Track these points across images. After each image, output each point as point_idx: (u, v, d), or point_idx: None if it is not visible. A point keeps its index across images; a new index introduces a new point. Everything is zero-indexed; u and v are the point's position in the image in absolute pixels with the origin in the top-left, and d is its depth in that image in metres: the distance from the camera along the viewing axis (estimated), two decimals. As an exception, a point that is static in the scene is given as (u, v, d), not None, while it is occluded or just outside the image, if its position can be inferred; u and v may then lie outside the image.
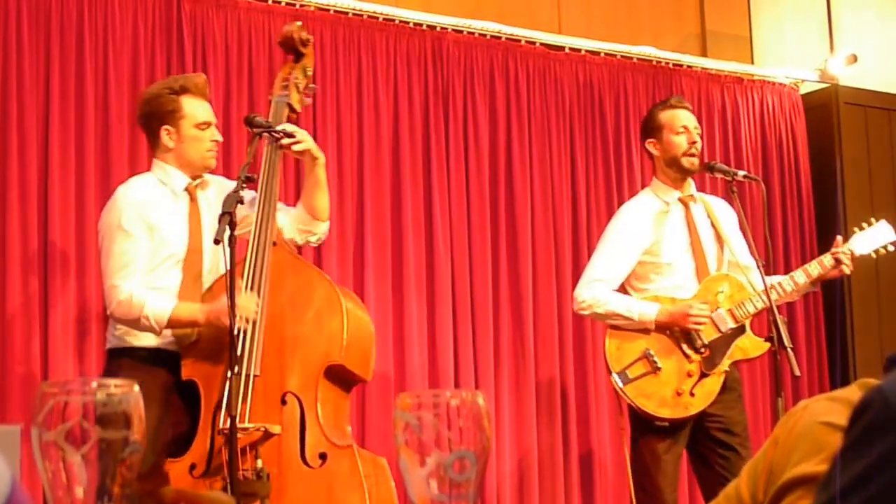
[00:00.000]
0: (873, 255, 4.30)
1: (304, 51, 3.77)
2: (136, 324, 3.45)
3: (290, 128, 3.56)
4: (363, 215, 4.93)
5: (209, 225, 3.57)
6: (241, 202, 3.26)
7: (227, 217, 3.13)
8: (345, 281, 4.72)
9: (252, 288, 3.36)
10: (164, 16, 4.63)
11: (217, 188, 3.66)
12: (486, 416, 1.06)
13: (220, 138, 3.68)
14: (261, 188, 3.48)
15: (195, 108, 3.60)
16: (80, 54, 4.43)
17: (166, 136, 3.59)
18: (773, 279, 4.13)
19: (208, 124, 3.62)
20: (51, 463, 0.98)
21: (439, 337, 4.98)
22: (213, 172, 3.74)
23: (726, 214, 4.31)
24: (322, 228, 3.70)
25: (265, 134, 3.49)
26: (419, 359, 4.92)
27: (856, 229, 4.31)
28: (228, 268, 3.15)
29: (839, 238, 4.26)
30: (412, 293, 4.94)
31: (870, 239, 4.28)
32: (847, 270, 4.20)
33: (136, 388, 1.02)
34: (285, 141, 3.50)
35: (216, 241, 3.12)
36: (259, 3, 4.81)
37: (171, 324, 3.44)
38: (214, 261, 3.56)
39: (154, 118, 3.61)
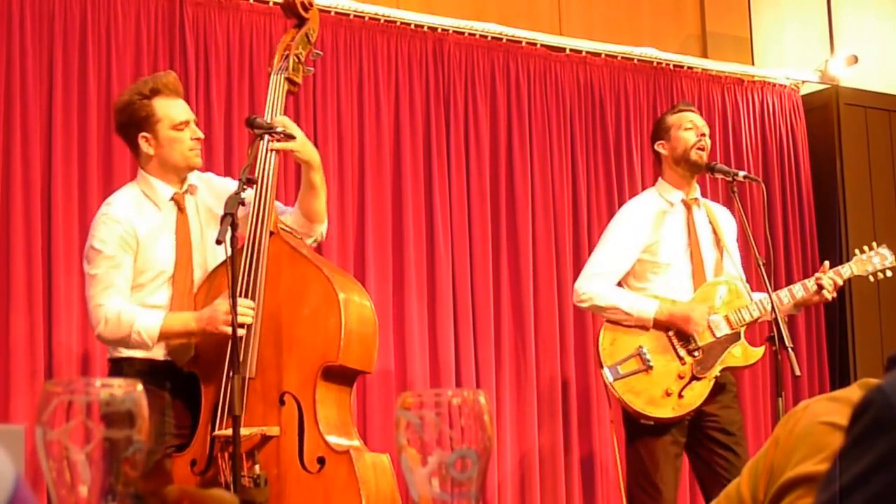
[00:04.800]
0: (871, 280, 4.33)
1: (306, 15, 3.59)
2: (126, 341, 3.38)
3: (288, 122, 3.46)
4: (364, 216, 4.93)
5: (198, 235, 3.50)
6: (243, 203, 3.22)
7: (230, 218, 3.09)
8: (346, 282, 4.72)
9: (248, 281, 3.33)
10: (167, 17, 4.64)
11: (207, 188, 3.56)
12: (488, 414, 1.07)
13: (201, 135, 3.54)
14: (257, 177, 3.37)
15: (169, 109, 3.47)
16: (83, 55, 4.43)
17: (145, 144, 3.47)
18: (759, 295, 4.17)
19: (186, 123, 3.48)
20: (55, 462, 0.99)
21: (440, 337, 4.99)
22: (208, 172, 3.68)
23: (727, 223, 4.34)
24: (319, 230, 3.58)
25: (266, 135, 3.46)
26: (420, 358, 4.93)
27: (857, 251, 4.34)
28: (230, 268, 3.15)
29: (826, 264, 4.30)
30: (413, 293, 4.95)
31: (869, 262, 4.31)
32: (828, 296, 4.22)
33: (140, 387, 1.02)
34: (275, 145, 3.39)
35: (218, 242, 3.10)
36: (261, 5, 4.81)
37: (163, 336, 3.37)
38: (205, 272, 3.50)
39: (130, 127, 3.49)
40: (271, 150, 3.42)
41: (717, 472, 4.02)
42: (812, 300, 4.24)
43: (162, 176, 3.51)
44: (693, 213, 4.25)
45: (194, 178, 3.58)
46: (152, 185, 3.50)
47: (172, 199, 3.51)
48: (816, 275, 4.23)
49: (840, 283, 4.23)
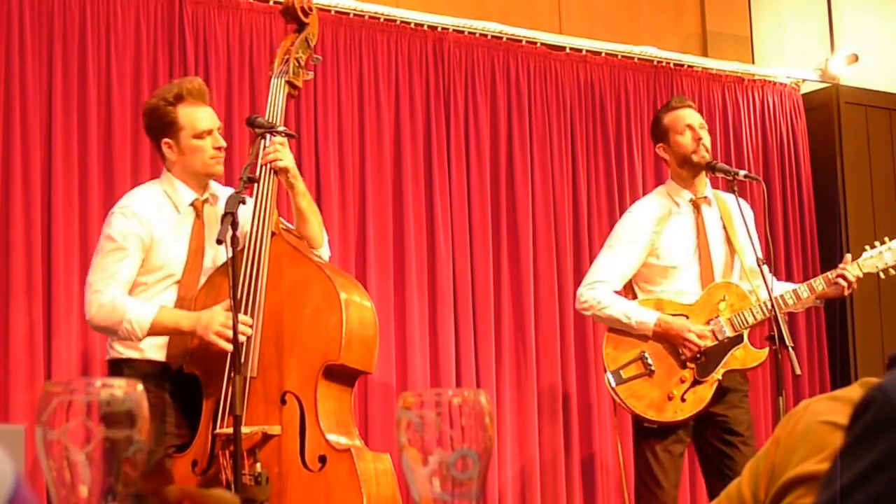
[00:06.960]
0: (882, 276, 4.29)
1: (306, 20, 3.63)
2: (115, 330, 3.38)
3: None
4: (365, 216, 4.93)
5: (212, 244, 3.48)
6: (244, 202, 3.23)
7: (230, 217, 3.10)
8: (346, 281, 4.72)
9: (250, 282, 3.33)
10: (166, 16, 4.63)
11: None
12: (489, 414, 1.07)
13: (223, 144, 3.57)
14: (258, 177, 3.39)
15: (192, 118, 3.50)
16: (82, 55, 4.43)
17: (167, 150, 3.51)
18: (779, 286, 4.13)
19: (209, 132, 3.51)
20: (55, 462, 0.99)
21: (441, 337, 4.98)
22: (218, 181, 3.68)
23: (745, 212, 4.14)
24: (320, 253, 3.59)
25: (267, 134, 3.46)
26: (421, 359, 4.92)
27: (867, 247, 4.29)
28: (231, 267, 3.15)
29: (848, 256, 4.25)
30: (414, 293, 4.95)
31: (879, 258, 4.25)
32: (846, 291, 4.18)
33: (140, 387, 1.02)
34: (270, 157, 3.41)
35: (218, 242, 3.11)
36: (261, 4, 4.81)
37: (154, 329, 3.37)
38: None
39: (154, 132, 3.54)
40: (264, 164, 3.42)
41: (722, 472, 4.01)
42: (827, 294, 4.19)
43: (185, 180, 3.54)
44: (702, 212, 4.21)
45: (217, 188, 3.62)
46: (175, 186, 3.54)
47: (192, 204, 3.53)
48: (840, 266, 4.17)
49: (861, 276, 4.19)
